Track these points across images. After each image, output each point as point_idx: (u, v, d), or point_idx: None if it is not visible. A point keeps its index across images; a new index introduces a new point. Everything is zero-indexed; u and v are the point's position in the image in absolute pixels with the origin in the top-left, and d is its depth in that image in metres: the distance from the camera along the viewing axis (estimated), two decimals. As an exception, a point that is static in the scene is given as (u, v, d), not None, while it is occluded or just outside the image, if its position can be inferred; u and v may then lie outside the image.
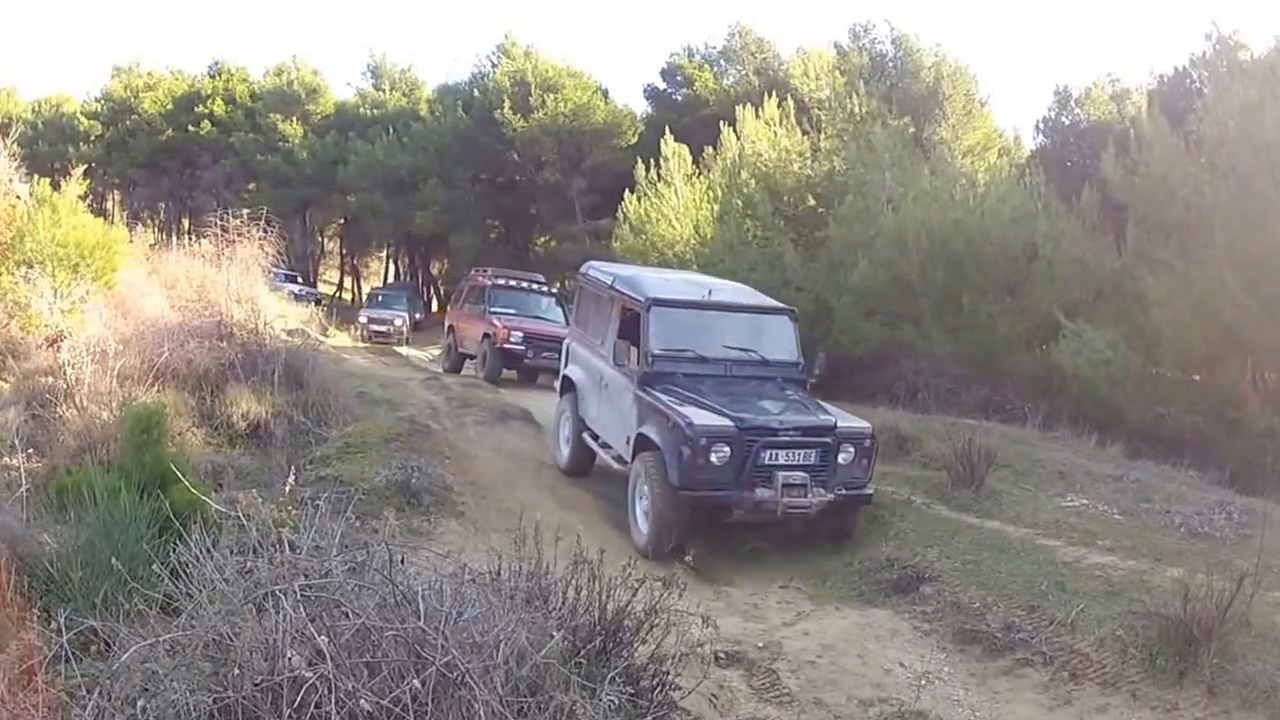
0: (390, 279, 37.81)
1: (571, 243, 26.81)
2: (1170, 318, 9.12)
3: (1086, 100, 18.94)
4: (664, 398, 6.62)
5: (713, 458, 6.13)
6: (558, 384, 8.96)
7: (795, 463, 6.28)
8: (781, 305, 8.11)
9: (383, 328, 21.59)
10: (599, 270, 8.52)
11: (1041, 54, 69.41)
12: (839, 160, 14.87)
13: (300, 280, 32.32)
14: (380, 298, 25.26)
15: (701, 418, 6.27)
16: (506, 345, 13.47)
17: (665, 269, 12.63)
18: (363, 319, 21.93)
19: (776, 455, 6.26)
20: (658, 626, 3.65)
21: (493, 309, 14.44)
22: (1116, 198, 10.48)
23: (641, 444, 6.72)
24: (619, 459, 7.21)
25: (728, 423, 6.25)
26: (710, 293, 7.68)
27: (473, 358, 14.82)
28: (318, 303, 25.37)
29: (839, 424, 6.59)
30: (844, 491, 6.39)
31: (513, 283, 15.49)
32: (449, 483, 6.83)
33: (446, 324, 16.67)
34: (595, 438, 7.75)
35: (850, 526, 6.57)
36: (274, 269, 32.98)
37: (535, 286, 15.90)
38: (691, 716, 3.76)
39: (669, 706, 3.55)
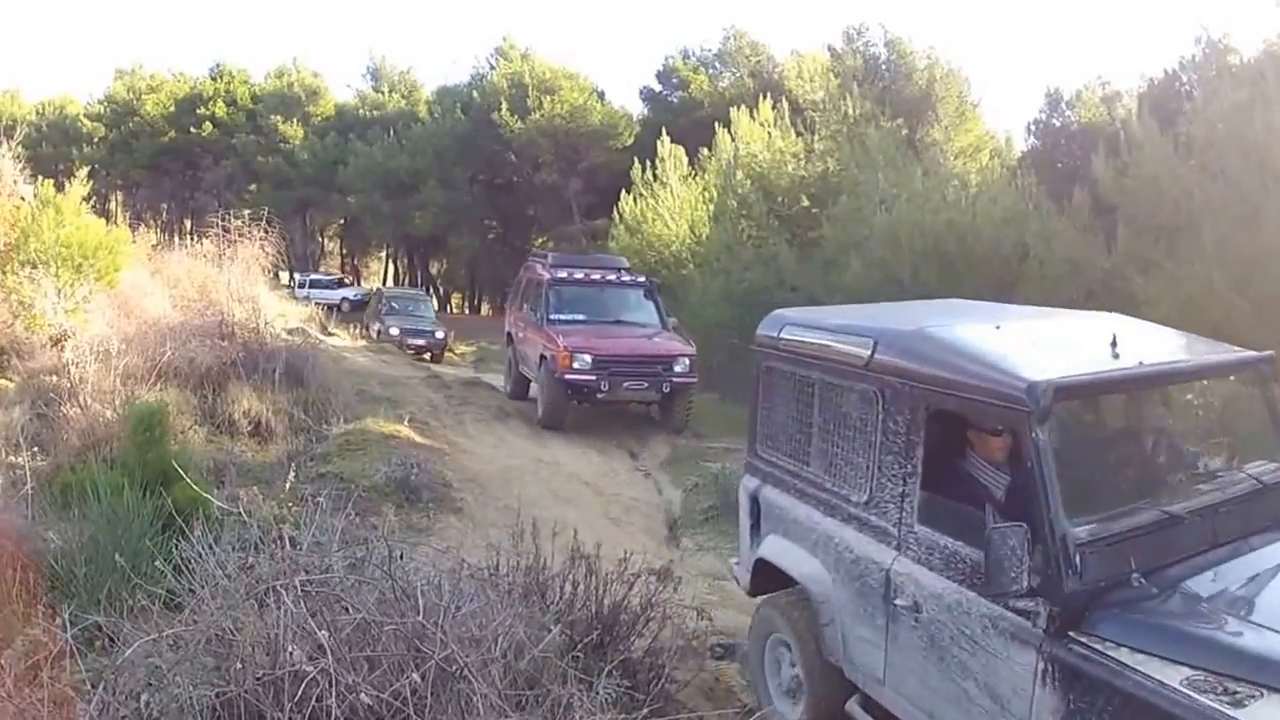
0: (390, 279, 37.77)
1: (569, 243, 26.89)
2: (1160, 317, 9.09)
3: (1077, 102, 19.08)
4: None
5: None
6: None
7: None
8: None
9: (421, 341, 18.38)
10: (818, 328, 3.83)
11: (1033, 57, 69.69)
12: (833, 161, 14.94)
13: (350, 282, 31.27)
14: (397, 304, 20.62)
15: None
16: (569, 375, 9.44)
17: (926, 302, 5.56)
18: (392, 330, 18.49)
19: None
20: (654, 620, 3.69)
21: (552, 316, 10.31)
22: (1107, 199, 10.54)
23: None
24: None
25: None
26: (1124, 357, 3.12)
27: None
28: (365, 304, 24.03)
29: None
30: None
31: (580, 274, 10.97)
32: (448, 479, 6.86)
33: (506, 329, 12.51)
34: None
35: None
36: (317, 274, 31.53)
37: (615, 278, 11.21)
38: (688, 709, 3.77)
39: (665, 699, 3.56)
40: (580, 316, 10.40)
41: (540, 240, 31.50)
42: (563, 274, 10.83)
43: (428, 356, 18.26)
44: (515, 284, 12.69)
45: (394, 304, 20.45)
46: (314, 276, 29.64)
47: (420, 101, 33.40)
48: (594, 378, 9.38)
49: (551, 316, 10.28)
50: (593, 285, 10.95)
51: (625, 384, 9.49)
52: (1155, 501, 2.93)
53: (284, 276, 27.78)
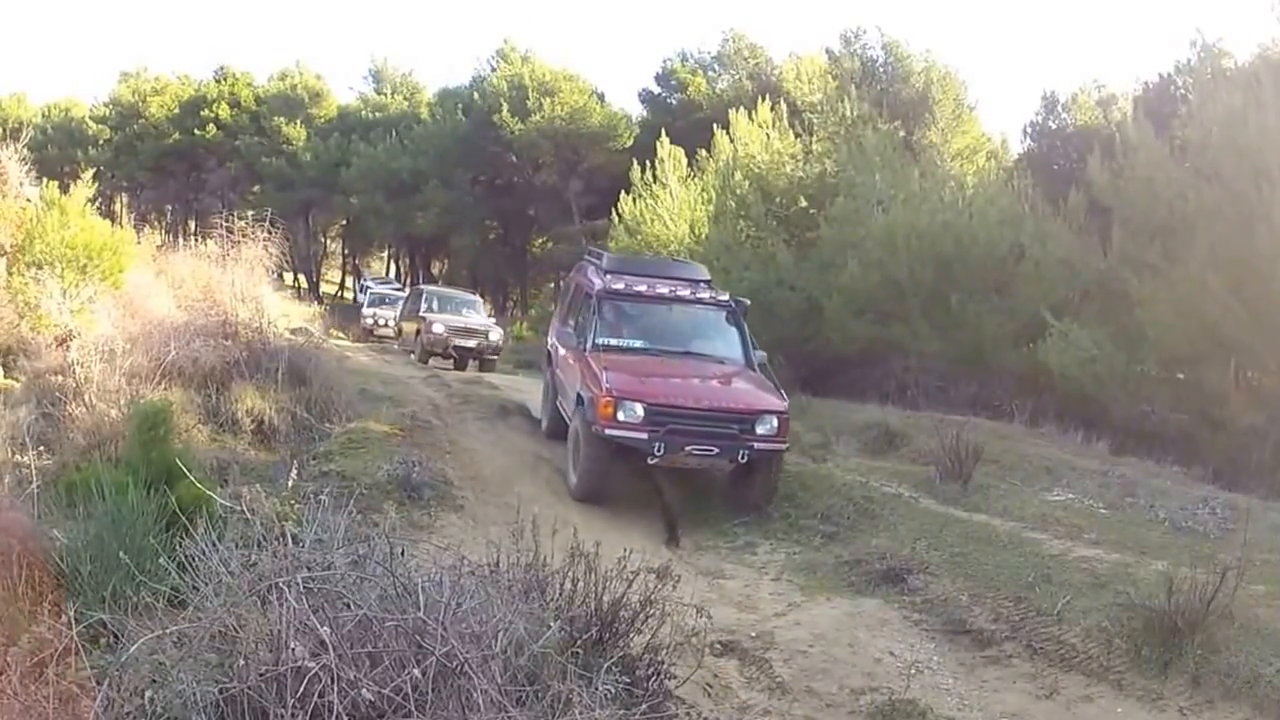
0: (391, 279, 37.78)
1: (568, 243, 26.95)
2: (1154, 317, 9.27)
3: (1073, 105, 19.17)
4: None
5: None
6: None
7: None
8: None
9: (471, 341, 15.12)
10: None
11: (1029, 60, 69.81)
12: (830, 163, 15.01)
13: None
14: (439, 301, 17.22)
15: None
16: (612, 429, 6.87)
17: None
18: (435, 328, 15.28)
19: None
20: (653, 617, 3.71)
21: (598, 340, 7.71)
22: (1102, 200, 10.61)
23: None
24: None
25: None
26: None
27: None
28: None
29: None
30: None
31: (642, 285, 8.13)
32: (449, 477, 6.85)
33: (546, 346, 10.03)
34: None
35: None
36: (374, 280, 28.44)
37: (690, 293, 8.33)
38: (686, 705, 3.80)
39: (664, 695, 3.59)
40: (638, 343, 7.81)
41: (541, 240, 31.57)
42: (619, 284, 8.06)
43: (487, 362, 15.43)
44: (562, 288, 10.12)
45: (437, 301, 17.39)
46: (375, 284, 27.35)
47: (422, 103, 33.53)
48: (645, 435, 6.81)
49: (598, 341, 7.65)
50: (659, 301, 8.11)
51: (688, 447, 6.88)
52: None
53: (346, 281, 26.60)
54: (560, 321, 9.32)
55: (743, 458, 6.99)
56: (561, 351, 8.67)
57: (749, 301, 8.81)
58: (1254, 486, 7.44)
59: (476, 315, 17.03)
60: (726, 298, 8.47)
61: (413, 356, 15.68)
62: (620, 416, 6.86)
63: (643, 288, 8.14)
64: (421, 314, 16.29)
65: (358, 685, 2.61)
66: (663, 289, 8.22)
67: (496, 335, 15.90)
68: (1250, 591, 4.80)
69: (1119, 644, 4.58)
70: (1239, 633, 4.52)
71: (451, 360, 15.24)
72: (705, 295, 8.39)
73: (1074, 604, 4.94)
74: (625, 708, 3.20)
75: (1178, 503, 6.87)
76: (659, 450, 6.85)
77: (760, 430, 7.04)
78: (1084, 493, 7.14)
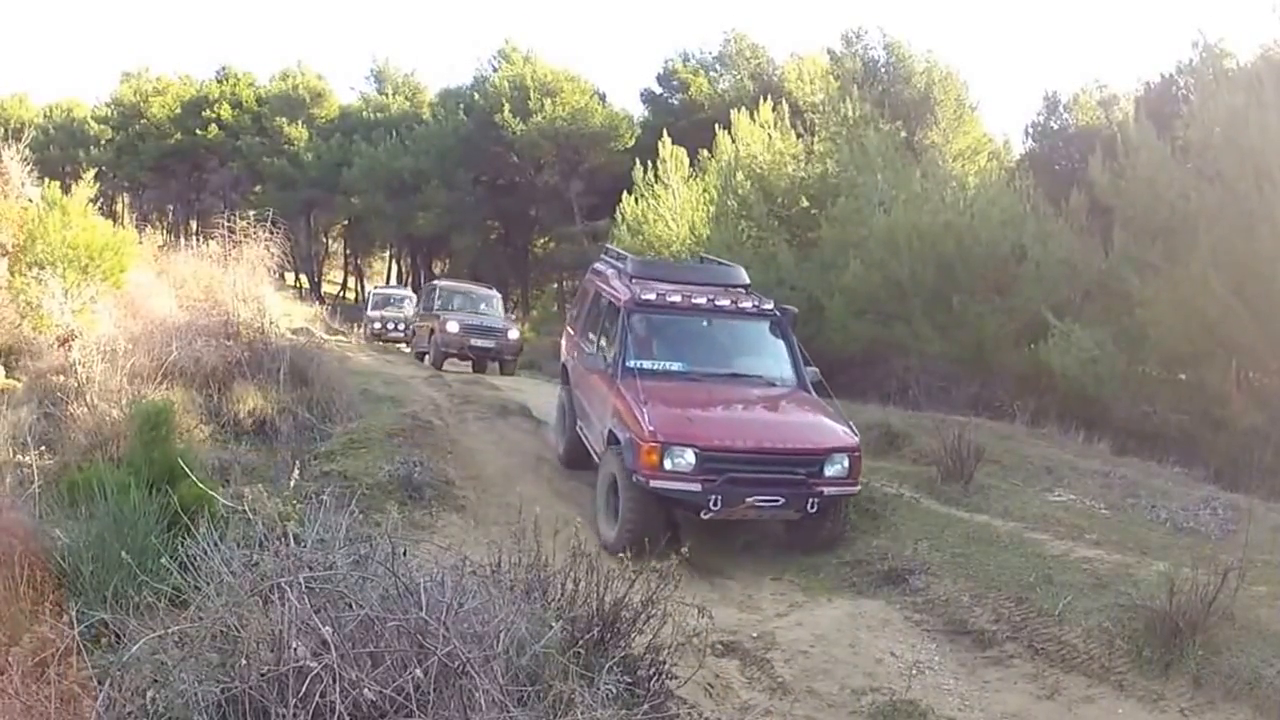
0: (394, 279, 37.80)
1: (570, 243, 26.99)
2: (1156, 318, 9.27)
3: (1075, 106, 19.22)
4: None
5: None
6: None
7: None
8: None
9: (488, 341, 14.20)
10: None
11: (1031, 60, 69.80)
12: (832, 163, 15.02)
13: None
14: (455, 298, 16.05)
15: None
16: (659, 479, 5.81)
17: None
18: (449, 326, 14.21)
19: None
20: (654, 617, 3.73)
21: (630, 363, 6.61)
22: (1103, 201, 10.61)
23: None
24: None
25: None
26: None
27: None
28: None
29: None
30: None
31: (676, 296, 6.97)
32: (450, 477, 6.87)
33: (561, 358, 9.07)
34: None
35: None
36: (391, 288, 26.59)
37: (730, 303, 7.14)
38: (688, 705, 3.80)
39: (666, 695, 3.60)
40: (675, 365, 6.76)
41: (542, 241, 31.58)
42: (650, 293, 6.94)
43: (508, 364, 14.33)
44: (578, 294, 8.97)
45: (452, 298, 16.13)
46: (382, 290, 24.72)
47: (423, 103, 33.58)
48: (698, 487, 5.78)
49: (629, 364, 6.58)
50: (696, 313, 7.00)
51: (749, 498, 5.87)
52: None
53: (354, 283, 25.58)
54: (578, 334, 8.11)
55: (812, 507, 5.96)
56: (580, 371, 7.63)
57: (796, 309, 7.66)
58: (1255, 487, 7.43)
59: (495, 312, 15.92)
60: (771, 306, 7.32)
61: (426, 360, 14.51)
62: (667, 465, 5.80)
63: (677, 298, 6.94)
64: (436, 312, 15.02)
65: (359, 685, 2.61)
66: (699, 298, 6.98)
67: (516, 334, 14.82)
68: (1251, 592, 4.80)
69: (1120, 645, 4.57)
70: (1240, 634, 4.52)
71: (470, 363, 14.39)
72: (748, 304, 7.20)
73: (1075, 605, 4.93)
74: (627, 708, 3.21)
75: (1179, 503, 6.86)
76: (715, 505, 5.80)
77: (830, 472, 6.05)
78: (1085, 493, 7.14)
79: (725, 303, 7.12)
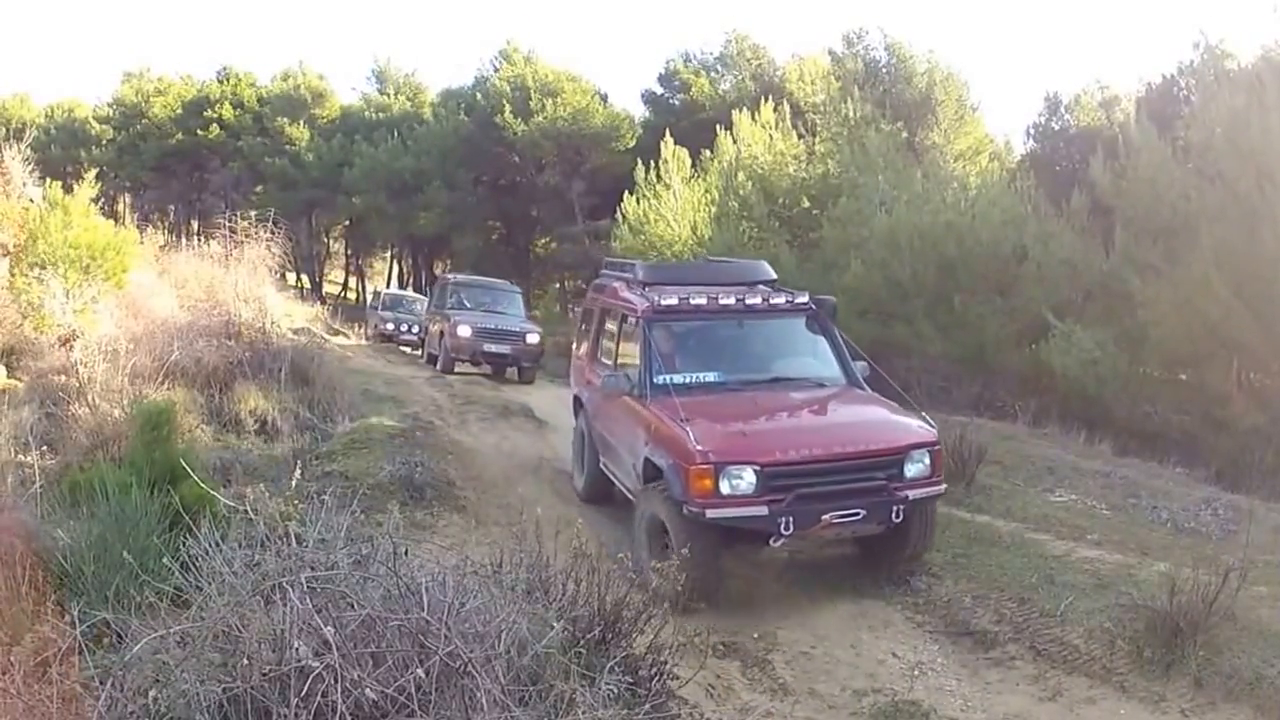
0: (395, 279, 37.79)
1: (571, 243, 27.00)
2: (1157, 318, 9.27)
3: (1076, 106, 19.20)
4: None
5: None
6: None
7: None
8: None
9: (504, 346, 13.04)
10: None
11: (1032, 61, 69.81)
12: (833, 163, 15.01)
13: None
14: (469, 296, 14.63)
15: None
16: (717, 507, 4.99)
17: None
18: (460, 329, 13.07)
19: None
20: (655, 617, 3.73)
21: (659, 380, 5.84)
22: (1105, 201, 10.62)
23: None
24: None
25: None
26: None
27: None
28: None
29: None
30: None
31: (699, 300, 6.27)
32: (452, 478, 6.86)
33: (572, 389, 8.00)
34: None
35: None
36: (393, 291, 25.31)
37: (760, 301, 6.42)
38: (689, 705, 3.80)
39: (667, 695, 3.59)
40: (710, 376, 6.01)
41: (544, 241, 31.56)
42: (671, 299, 6.22)
43: (527, 373, 13.19)
44: (581, 314, 8.24)
45: (467, 296, 14.50)
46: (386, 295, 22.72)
47: (425, 104, 33.58)
48: (765, 510, 4.99)
49: (658, 380, 5.82)
50: (724, 315, 6.29)
51: (825, 515, 5.08)
52: None
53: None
54: (589, 360, 7.38)
55: (897, 516, 5.20)
56: (600, 399, 6.82)
57: (834, 299, 6.87)
58: (1256, 488, 7.43)
59: (515, 311, 14.58)
60: (806, 299, 6.53)
61: (437, 366, 13.46)
62: (724, 489, 4.96)
63: (702, 300, 6.22)
64: (447, 311, 13.78)
65: (361, 685, 2.61)
66: (725, 299, 6.26)
67: (535, 338, 13.41)
68: (1253, 593, 4.80)
69: (1122, 645, 4.57)
70: (1241, 634, 4.52)
71: (489, 369, 13.35)
72: (780, 300, 6.44)
73: (1077, 605, 4.93)
74: (628, 708, 3.21)
75: (1180, 504, 6.86)
76: (787, 528, 4.97)
77: (911, 473, 5.30)
78: (1087, 493, 7.14)
79: (756, 301, 6.36)
